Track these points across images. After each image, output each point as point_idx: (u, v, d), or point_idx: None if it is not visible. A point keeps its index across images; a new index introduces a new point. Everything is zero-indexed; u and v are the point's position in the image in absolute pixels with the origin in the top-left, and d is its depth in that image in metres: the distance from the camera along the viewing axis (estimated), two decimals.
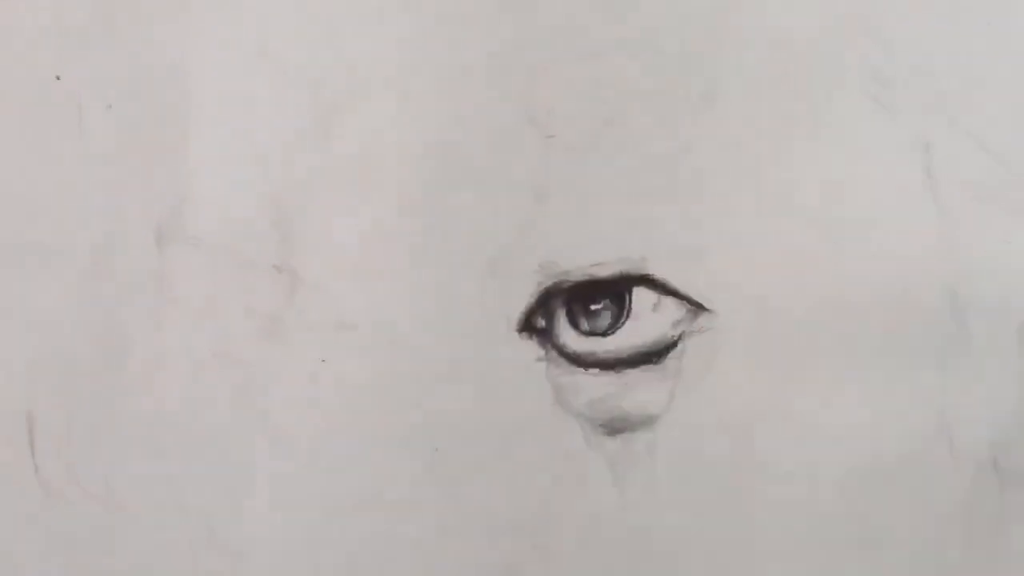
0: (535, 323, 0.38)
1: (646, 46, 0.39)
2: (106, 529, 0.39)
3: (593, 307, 0.38)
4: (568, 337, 0.38)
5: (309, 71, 0.39)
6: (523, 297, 0.38)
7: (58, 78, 0.39)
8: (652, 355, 0.38)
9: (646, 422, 0.38)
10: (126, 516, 0.39)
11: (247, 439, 0.39)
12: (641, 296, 0.38)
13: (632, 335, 0.38)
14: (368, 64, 0.39)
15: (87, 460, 0.39)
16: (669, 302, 0.38)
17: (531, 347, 0.38)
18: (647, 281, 0.38)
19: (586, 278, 0.38)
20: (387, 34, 0.39)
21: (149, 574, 0.39)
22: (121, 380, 0.39)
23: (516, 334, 0.38)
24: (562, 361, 0.38)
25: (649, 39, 0.39)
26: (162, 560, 0.39)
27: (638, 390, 0.38)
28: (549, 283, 0.38)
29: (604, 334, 0.38)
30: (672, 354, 0.38)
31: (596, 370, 0.38)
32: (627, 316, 0.38)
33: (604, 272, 0.38)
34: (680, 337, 0.38)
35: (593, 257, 0.38)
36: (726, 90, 0.39)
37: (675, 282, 0.38)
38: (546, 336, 0.38)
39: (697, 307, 0.38)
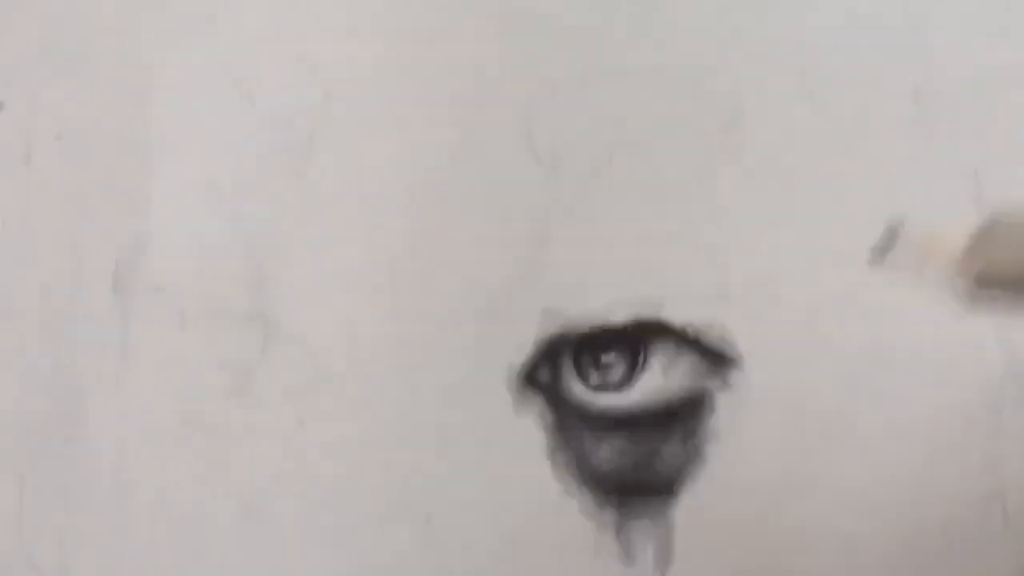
0: (539, 377, 0.36)
1: (660, 67, 0.37)
2: None
3: (604, 359, 0.36)
4: (576, 392, 0.36)
5: (284, 100, 0.37)
6: (525, 348, 0.36)
7: (1, 106, 0.38)
8: (671, 413, 0.36)
9: (663, 491, 0.36)
10: None
11: (218, 514, 0.36)
12: (658, 346, 0.36)
13: (648, 390, 0.36)
14: (346, 94, 0.37)
15: (40, 538, 0.37)
16: (689, 352, 0.36)
17: (535, 404, 0.36)
18: (664, 329, 0.36)
19: (596, 326, 0.36)
20: (368, 62, 0.37)
21: None
22: (77, 447, 0.37)
23: (518, 390, 0.36)
24: (570, 419, 0.36)
25: (663, 60, 0.37)
26: None
27: (655, 454, 0.36)
28: (554, 332, 0.36)
29: (617, 389, 0.36)
30: (693, 411, 0.36)
31: (608, 431, 0.36)
32: (642, 368, 0.36)
33: (616, 319, 0.36)
34: (702, 392, 0.36)
35: (603, 302, 0.36)
36: (750, 112, 0.37)
37: (695, 329, 0.36)
38: (551, 391, 0.36)
39: (721, 358, 0.36)
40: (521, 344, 0.36)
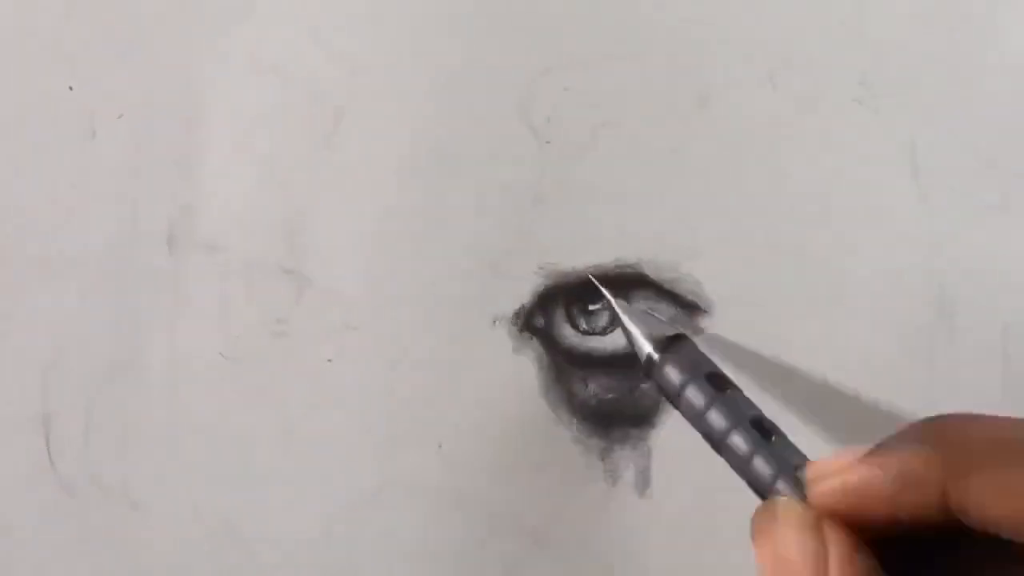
0: (534, 323, 0.39)
1: (639, 54, 0.39)
2: (125, 527, 0.40)
3: (591, 307, 0.39)
4: (567, 336, 0.39)
5: (312, 81, 0.40)
6: (522, 298, 0.39)
7: (71, 88, 0.40)
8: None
9: (643, 422, 0.39)
10: (144, 514, 0.40)
11: (259, 437, 0.40)
12: (638, 296, 0.39)
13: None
14: (368, 74, 0.40)
15: (104, 460, 0.40)
16: (665, 302, 0.39)
17: (531, 346, 0.39)
18: (643, 281, 0.39)
19: (584, 279, 0.39)
20: (387, 47, 0.40)
21: (167, 570, 0.40)
22: (136, 382, 0.40)
23: (516, 334, 0.39)
24: (561, 360, 0.39)
25: (642, 47, 0.39)
26: (180, 555, 0.40)
27: (635, 389, 0.39)
28: (548, 284, 0.39)
29: (602, 333, 0.39)
30: None
31: (594, 369, 0.39)
32: None
33: (602, 273, 0.39)
34: (676, 336, 0.39)
35: (590, 258, 0.39)
36: (718, 93, 0.39)
37: (670, 283, 0.39)
38: (545, 335, 0.39)
39: (692, 306, 0.39)
40: (519, 295, 0.39)
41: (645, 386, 0.39)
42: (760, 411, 0.32)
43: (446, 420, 0.39)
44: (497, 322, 0.39)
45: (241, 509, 0.40)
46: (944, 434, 0.25)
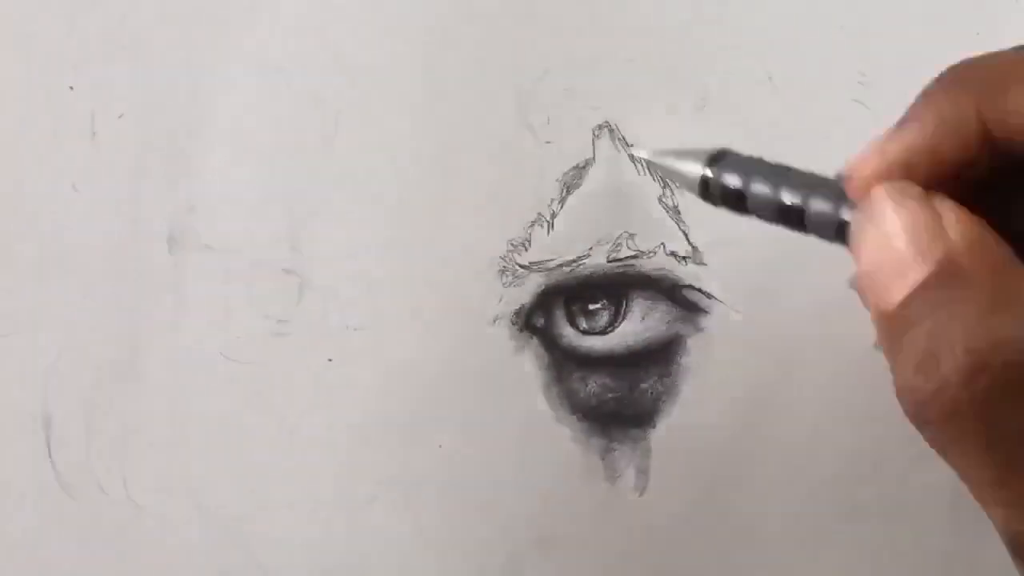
0: (535, 323, 0.40)
1: (637, 55, 0.39)
2: (125, 527, 0.40)
3: (591, 307, 0.39)
4: (567, 335, 0.39)
5: (312, 82, 0.40)
6: (523, 298, 0.39)
7: (71, 88, 0.40)
8: (648, 353, 0.39)
9: (643, 421, 0.39)
10: (144, 514, 0.40)
11: (259, 437, 0.40)
12: (638, 296, 0.39)
13: (628, 334, 0.39)
14: (369, 75, 0.40)
15: (104, 460, 0.40)
16: (665, 302, 0.39)
17: (531, 346, 0.40)
18: (643, 281, 0.39)
19: (584, 279, 0.39)
20: (388, 48, 0.40)
21: (167, 570, 0.40)
22: (136, 382, 0.40)
23: (516, 334, 0.39)
24: (561, 359, 0.40)
25: (642, 47, 0.39)
26: (180, 555, 0.40)
27: (635, 389, 0.39)
28: (548, 284, 0.39)
29: (602, 333, 0.39)
30: (668, 352, 0.39)
31: (594, 369, 0.39)
32: (624, 315, 0.39)
33: (602, 272, 0.39)
34: (676, 336, 0.39)
35: (590, 259, 0.39)
36: (717, 94, 0.39)
37: (670, 282, 0.39)
38: (546, 335, 0.40)
39: (692, 306, 0.39)
40: (519, 294, 0.39)
41: (645, 385, 0.39)
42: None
43: (446, 420, 0.39)
44: (497, 322, 0.40)
45: (241, 509, 0.40)
46: (961, 73, 0.24)
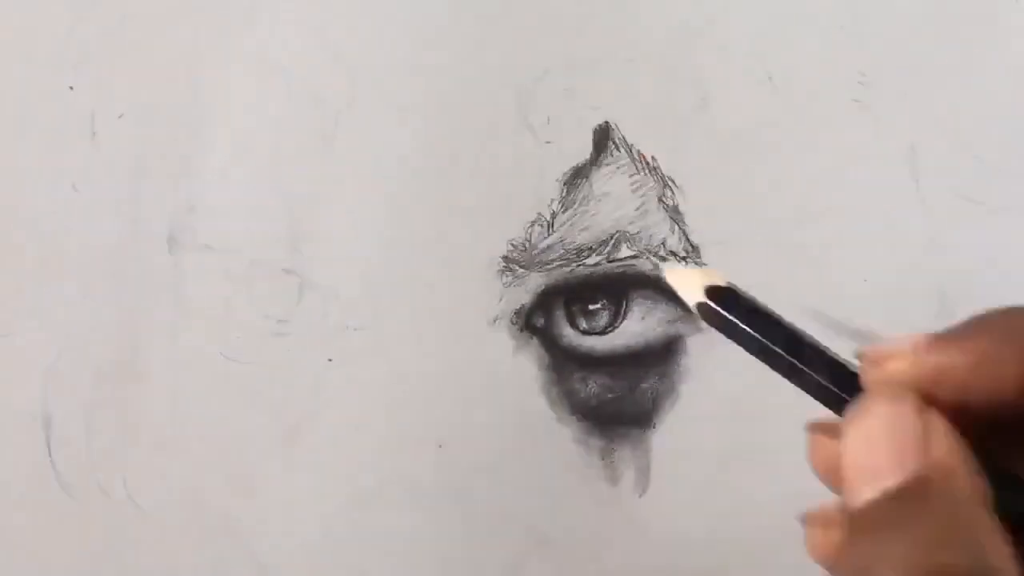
0: (535, 323, 0.40)
1: (637, 55, 0.40)
2: (124, 527, 0.40)
3: (591, 307, 0.39)
4: (567, 336, 0.39)
5: (313, 82, 0.40)
6: (523, 298, 0.40)
7: (71, 89, 0.40)
8: (648, 353, 0.39)
9: (643, 422, 0.39)
10: (144, 513, 0.40)
11: (259, 437, 0.40)
12: (637, 297, 0.39)
13: (629, 335, 0.39)
14: (369, 76, 0.40)
15: (104, 460, 0.40)
16: (664, 302, 0.39)
17: (531, 346, 0.40)
18: (643, 282, 0.39)
19: (584, 279, 0.39)
20: (389, 48, 0.40)
21: (167, 570, 0.40)
22: (137, 382, 0.40)
23: (517, 334, 0.39)
24: (561, 359, 0.40)
25: (642, 48, 0.40)
26: (179, 555, 0.40)
27: (635, 389, 0.39)
28: (548, 284, 0.39)
29: (602, 333, 0.39)
30: (668, 353, 0.39)
31: (594, 369, 0.39)
32: (624, 316, 0.39)
33: (602, 273, 0.39)
34: (676, 336, 0.39)
35: (591, 258, 0.39)
36: (717, 94, 0.40)
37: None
38: (546, 335, 0.40)
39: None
40: (519, 294, 0.39)
41: (645, 385, 0.39)
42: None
43: (446, 420, 0.40)
44: (497, 322, 0.40)
45: (241, 509, 0.40)
46: (1017, 318, 0.23)
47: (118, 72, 0.40)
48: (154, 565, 0.40)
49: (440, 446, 0.40)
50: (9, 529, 0.40)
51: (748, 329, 0.29)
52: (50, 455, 0.40)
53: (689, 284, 0.29)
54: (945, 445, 0.22)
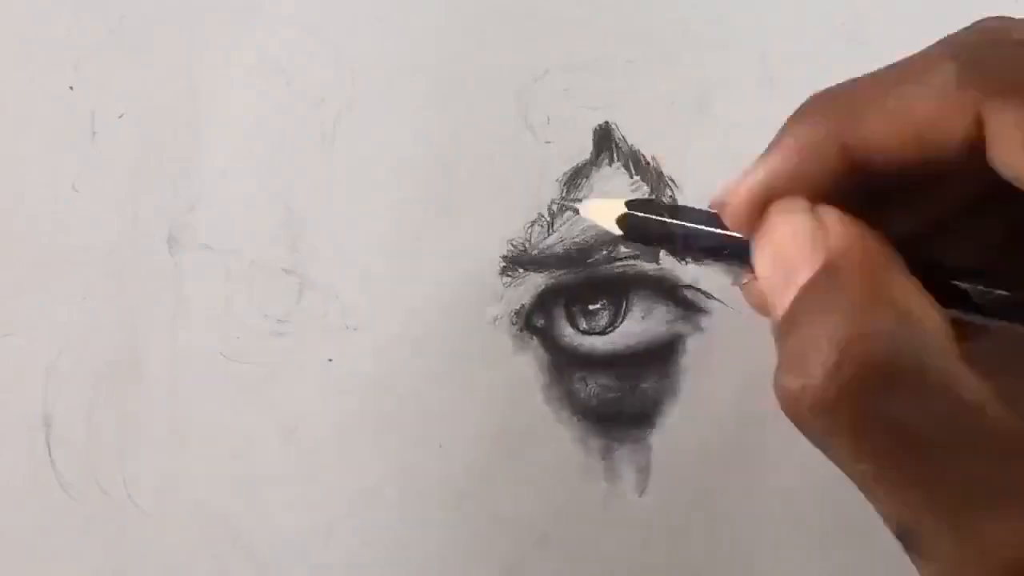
0: (535, 322, 0.40)
1: (638, 55, 0.40)
2: (125, 527, 0.40)
3: (592, 307, 0.39)
4: (567, 335, 0.39)
5: (314, 84, 0.40)
6: (523, 298, 0.40)
7: (71, 88, 0.40)
8: (648, 353, 0.39)
9: (643, 421, 0.39)
10: (144, 514, 0.40)
11: (259, 437, 0.40)
12: (638, 296, 0.39)
13: (629, 334, 0.39)
14: (369, 75, 0.40)
15: (105, 461, 0.40)
16: (665, 302, 0.39)
17: (531, 346, 0.40)
18: (643, 281, 0.39)
19: (584, 278, 0.39)
20: (389, 48, 0.40)
21: (167, 570, 0.40)
22: (136, 382, 0.40)
23: (516, 334, 0.39)
24: (561, 359, 0.40)
25: (642, 48, 0.40)
26: (180, 556, 0.40)
27: (635, 389, 0.39)
28: (548, 283, 0.39)
29: (602, 333, 0.39)
30: (668, 352, 0.39)
31: (594, 369, 0.39)
32: (624, 315, 0.39)
33: (602, 273, 0.39)
34: (676, 336, 0.39)
35: (591, 258, 0.39)
36: (717, 95, 0.40)
37: (670, 282, 0.39)
38: (546, 335, 0.40)
39: (692, 305, 0.39)
40: (519, 295, 0.39)
41: (645, 385, 0.39)
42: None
43: (446, 420, 0.39)
44: (497, 322, 0.40)
45: (241, 509, 0.40)
46: (820, 102, 0.26)
47: (118, 72, 0.40)
48: (154, 565, 0.40)
49: (440, 446, 0.40)
50: (9, 529, 0.40)
51: (669, 222, 0.31)
52: (50, 455, 0.40)
53: (606, 211, 0.31)
54: (840, 229, 0.24)
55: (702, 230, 0.29)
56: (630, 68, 0.40)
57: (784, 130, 0.26)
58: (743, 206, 0.26)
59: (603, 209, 0.32)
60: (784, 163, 0.25)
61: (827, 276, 0.23)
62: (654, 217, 0.31)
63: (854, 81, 0.26)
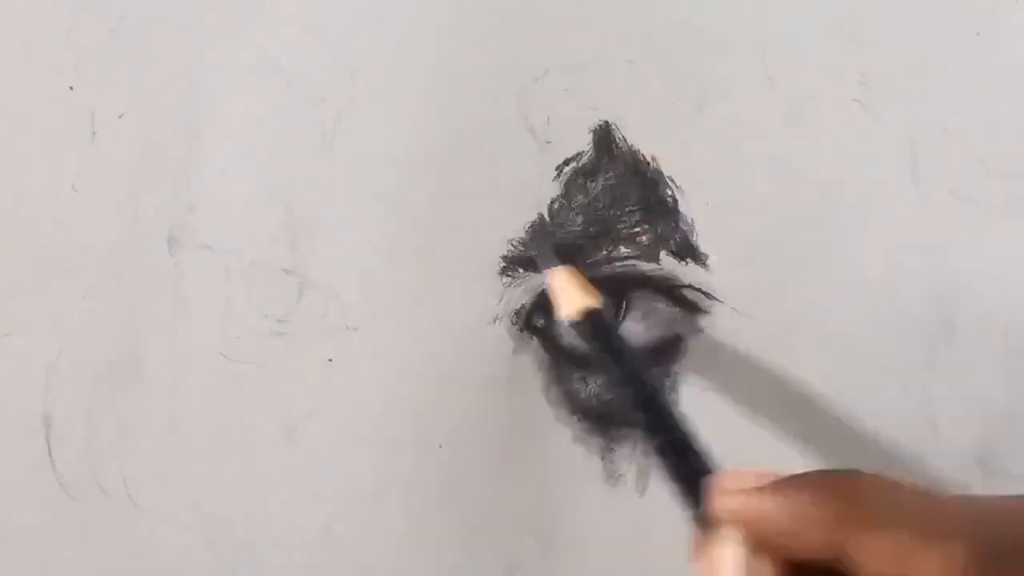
0: (535, 323, 0.40)
1: (637, 56, 0.39)
2: (125, 527, 0.40)
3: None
4: (566, 335, 0.39)
5: (314, 84, 0.40)
6: (523, 298, 0.40)
7: (71, 88, 0.40)
8: (648, 354, 0.39)
9: None
10: (144, 514, 0.40)
11: (259, 437, 0.40)
12: (638, 297, 0.39)
13: (629, 334, 0.39)
14: (369, 75, 0.40)
15: (105, 461, 0.40)
16: (665, 302, 0.39)
17: (531, 347, 0.40)
18: (643, 281, 0.39)
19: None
20: (389, 48, 0.40)
21: (167, 569, 0.40)
22: (137, 382, 0.40)
23: (516, 334, 0.39)
24: (561, 360, 0.39)
25: (641, 50, 0.40)
26: (180, 555, 0.40)
27: None
28: (548, 284, 0.39)
29: None
30: (668, 353, 0.39)
31: (594, 369, 0.39)
32: (624, 316, 0.39)
33: (602, 273, 0.39)
34: (676, 336, 0.39)
35: (591, 259, 0.39)
36: (717, 94, 0.39)
37: (670, 282, 0.39)
38: (546, 335, 0.40)
39: (692, 306, 0.39)
40: (519, 295, 0.39)
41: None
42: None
43: (446, 420, 0.39)
44: (497, 322, 0.40)
45: (241, 509, 0.40)
46: (840, 485, 0.28)
47: (118, 72, 0.40)
48: (154, 565, 0.40)
49: (440, 446, 0.40)
50: (9, 529, 0.40)
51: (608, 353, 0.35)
52: (50, 455, 0.40)
53: (571, 295, 0.36)
54: None
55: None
56: (630, 68, 0.39)
57: (791, 484, 0.28)
58: (726, 515, 0.28)
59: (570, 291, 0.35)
60: (780, 520, 0.27)
61: None
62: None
63: (870, 480, 0.28)
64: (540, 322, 0.39)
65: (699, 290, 0.39)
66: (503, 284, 0.39)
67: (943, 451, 0.39)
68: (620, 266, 0.39)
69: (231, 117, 0.40)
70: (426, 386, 0.40)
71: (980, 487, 0.39)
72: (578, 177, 0.39)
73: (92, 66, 0.40)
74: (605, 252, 0.39)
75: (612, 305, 0.39)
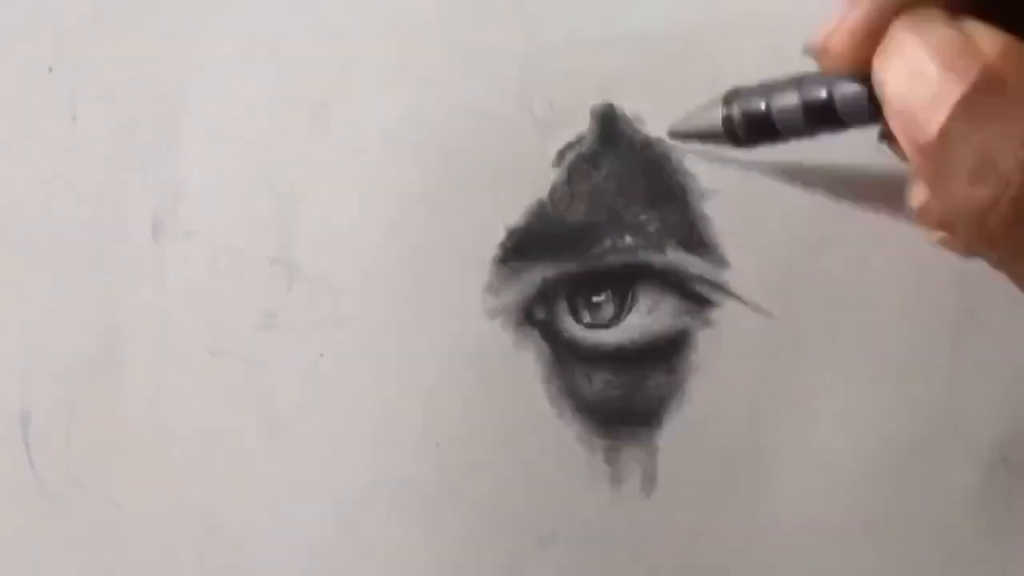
0: (536, 315, 0.39)
1: (643, 34, 0.39)
2: (107, 529, 0.39)
3: (595, 299, 0.39)
4: (570, 329, 0.38)
5: (305, 64, 0.39)
6: (524, 289, 0.39)
7: (51, 70, 0.40)
8: (655, 348, 0.38)
9: (649, 420, 0.38)
10: (127, 515, 0.39)
11: (246, 435, 0.39)
12: (644, 288, 0.38)
13: (634, 328, 0.38)
14: (364, 58, 0.39)
15: (84, 459, 0.39)
16: (672, 294, 0.38)
17: (532, 340, 0.39)
18: (650, 272, 0.38)
19: (588, 269, 0.38)
20: (383, 27, 0.39)
21: (151, 572, 0.39)
22: (118, 377, 0.39)
23: (517, 327, 0.38)
24: (564, 354, 0.39)
25: (646, 27, 0.39)
26: (163, 557, 0.39)
27: (641, 386, 0.38)
28: (550, 274, 0.38)
29: (606, 326, 0.38)
30: (675, 347, 0.38)
31: (598, 364, 0.38)
32: (630, 308, 0.38)
33: (606, 263, 0.38)
34: (684, 330, 0.38)
35: (595, 248, 0.38)
36: (727, 74, 0.37)
37: (679, 274, 0.38)
38: (547, 328, 0.39)
39: (701, 298, 0.38)
40: (520, 286, 0.38)
41: (651, 382, 0.38)
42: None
43: (443, 418, 0.39)
44: (496, 315, 0.39)
45: (228, 510, 0.39)
46: None
47: (100, 53, 0.40)
48: (138, 567, 0.39)
49: (437, 444, 0.39)
50: None
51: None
52: (28, 454, 0.39)
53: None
54: (989, 36, 0.23)
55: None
56: (636, 51, 0.38)
57: None
58: (854, 40, 0.25)
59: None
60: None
61: (991, 87, 0.22)
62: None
63: None
64: (541, 315, 0.38)
65: (709, 282, 0.38)
66: (503, 274, 0.38)
67: (967, 444, 0.39)
68: (626, 256, 0.38)
69: (218, 99, 0.39)
70: (422, 382, 0.39)
71: (1006, 484, 0.39)
72: (581, 163, 0.38)
73: (73, 46, 0.40)
74: (610, 241, 0.38)
75: (616, 297, 0.38)
